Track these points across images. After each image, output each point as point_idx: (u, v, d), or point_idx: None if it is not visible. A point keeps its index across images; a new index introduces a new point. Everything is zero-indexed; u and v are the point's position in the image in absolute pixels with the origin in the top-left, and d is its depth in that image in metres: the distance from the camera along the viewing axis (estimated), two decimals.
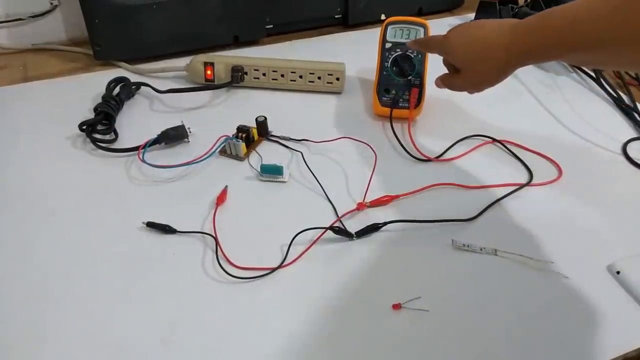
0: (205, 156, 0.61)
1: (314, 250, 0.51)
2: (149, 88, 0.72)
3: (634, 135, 0.68)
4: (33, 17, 0.84)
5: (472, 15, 0.94)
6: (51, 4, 0.84)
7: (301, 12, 0.90)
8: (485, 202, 0.57)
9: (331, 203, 0.56)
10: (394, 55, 0.68)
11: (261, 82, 0.74)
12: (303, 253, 0.51)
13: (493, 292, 0.48)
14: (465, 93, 0.60)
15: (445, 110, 0.71)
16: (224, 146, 0.62)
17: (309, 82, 0.74)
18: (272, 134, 0.66)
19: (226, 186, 0.57)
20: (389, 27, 0.68)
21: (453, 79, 0.59)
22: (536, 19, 0.48)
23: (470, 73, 0.56)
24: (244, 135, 0.63)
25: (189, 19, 0.79)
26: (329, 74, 0.73)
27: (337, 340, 0.44)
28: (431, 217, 0.54)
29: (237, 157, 0.62)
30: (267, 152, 0.63)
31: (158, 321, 0.45)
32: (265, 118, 0.65)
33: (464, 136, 0.66)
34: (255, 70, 0.73)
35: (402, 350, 0.44)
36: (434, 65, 0.66)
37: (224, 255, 0.50)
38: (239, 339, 0.44)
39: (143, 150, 0.60)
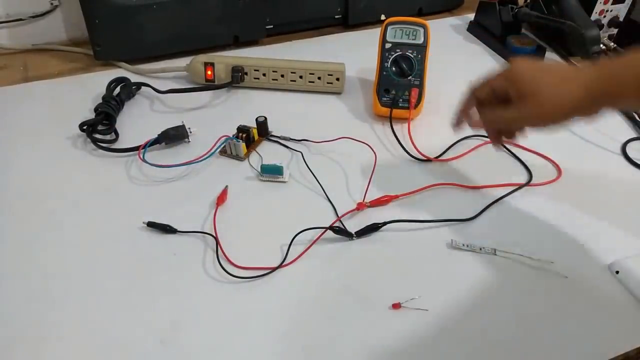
0: (206, 156, 0.61)
1: (314, 250, 0.51)
2: (149, 88, 0.72)
3: (633, 135, 0.68)
4: (33, 17, 0.84)
5: (471, 16, 0.94)
6: (51, 4, 0.84)
7: (301, 12, 0.90)
8: (484, 202, 0.57)
9: (331, 203, 0.57)
10: (393, 56, 0.68)
11: (261, 82, 0.74)
12: (303, 253, 0.51)
13: (492, 292, 0.48)
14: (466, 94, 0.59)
15: (445, 110, 0.70)
16: (224, 146, 0.63)
17: (309, 82, 0.74)
18: (272, 134, 0.66)
19: (226, 186, 0.57)
20: (389, 28, 0.68)
21: (505, 112, 0.50)
22: (621, 63, 0.45)
23: (539, 99, 0.48)
24: (244, 135, 0.63)
25: (189, 19, 0.79)
26: (329, 74, 0.73)
27: (337, 340, 0.44)
28: (431, 217, 0.55)
29: (238, 157, 0.62)
30: (267, 152, 0.63)
31: (158, 321, 0.45)
32: (266, 118, 0.65)
33: (463, 136, 0.66)
34: (255, 70, 0.73)
35: (402, 349, 0.44)
36: (434, 66, 0.66)
37: (225, 255, 0.50)
38: (239, 339, 0.44)
39: (143, 150, 0.60)
